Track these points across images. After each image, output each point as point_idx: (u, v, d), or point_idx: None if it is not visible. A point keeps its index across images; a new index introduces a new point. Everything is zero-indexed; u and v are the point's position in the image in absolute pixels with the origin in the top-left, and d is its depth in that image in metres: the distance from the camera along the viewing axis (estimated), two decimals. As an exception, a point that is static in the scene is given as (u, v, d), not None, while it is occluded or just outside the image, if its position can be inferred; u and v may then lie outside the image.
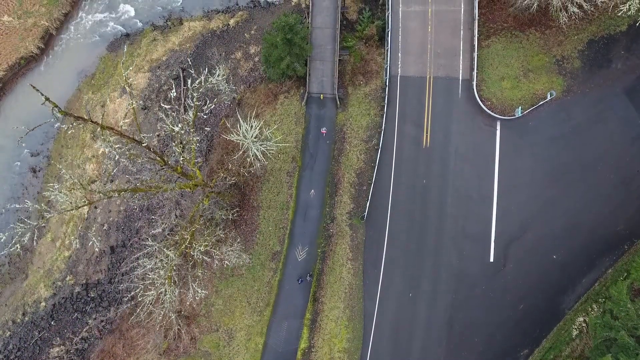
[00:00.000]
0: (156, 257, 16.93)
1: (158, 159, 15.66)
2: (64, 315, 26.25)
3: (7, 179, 27.40)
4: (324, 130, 23.78)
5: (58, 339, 25.64)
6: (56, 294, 26.84)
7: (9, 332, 26.48)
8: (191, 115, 15.43)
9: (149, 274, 17.30)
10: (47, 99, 13.47)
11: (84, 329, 25.12)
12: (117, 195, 15.42)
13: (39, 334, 25.79)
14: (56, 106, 13.88)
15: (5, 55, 26.71)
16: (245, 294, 24.08)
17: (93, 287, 26.09)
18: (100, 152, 26.19)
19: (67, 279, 26.38)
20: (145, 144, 14.52)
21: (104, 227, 26.04)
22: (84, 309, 26.00)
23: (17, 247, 14.46)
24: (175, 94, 17.66)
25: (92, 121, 14.14)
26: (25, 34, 26.57)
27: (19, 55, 26.75)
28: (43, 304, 26.80)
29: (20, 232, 14.41)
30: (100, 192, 14.98)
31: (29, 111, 28.95)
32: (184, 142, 15.31)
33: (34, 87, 14.84)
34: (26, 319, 26.98)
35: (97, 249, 19.63)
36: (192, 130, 15.78)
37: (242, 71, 25.78)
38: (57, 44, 27.78)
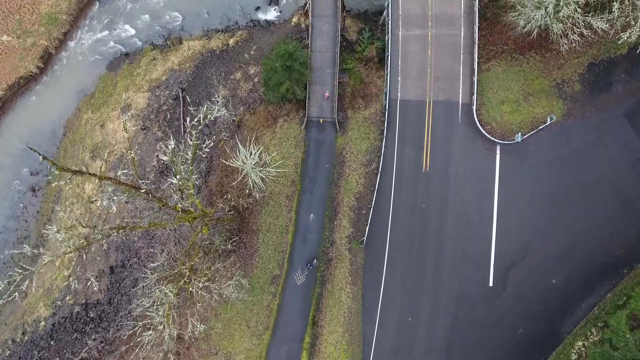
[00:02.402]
0: (155, 295, 16.73)
1: (157, 201, 15.47)
2: (64, 335, 25.96)
3: (7, 197, 27.12)
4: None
5: (57, 359, 25.42)
6: (56, 314, 26.53)
7: (8, 351, 26.20)
8: (190, 154, 15.19)
9: (147, 312, 17.11)
10: (44, 158, 13.29)
11: (83, 350, 24.81)
12: (116, 233, 15.19)
13: (39, 353, 25.49)
14: (54, 164, 13.66)
15: (4, 74, 26.31)
16: (244, 318, 23.55)
17: (92, 307, 25.81)
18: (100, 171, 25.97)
19: (67, 298, 26.11)
20: (144, 190, 14.31)
21: (104, 247, 25.74)
22: (83, 329, 25.70)
23: (15, 296, 14.33)
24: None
25: (89, 173, 13.90)
26: (24, 53, 26.18)
27: (18, 75, 26.33)
28: (43, 323, 26.53)
29: (18, 279, 14.26)
30: (99, 232, 14.79)
31: (28, 130, 28.94)
32: (182, 188, 15.05)
33: (31, 149, 14.69)
34: (26, 338, 26.70)
35: (95, 289, 19.36)
36: (191, 168, 15.53)
37: (241, 92, 25.42)
38: (56, 63, 27.33)
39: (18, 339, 26.71)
